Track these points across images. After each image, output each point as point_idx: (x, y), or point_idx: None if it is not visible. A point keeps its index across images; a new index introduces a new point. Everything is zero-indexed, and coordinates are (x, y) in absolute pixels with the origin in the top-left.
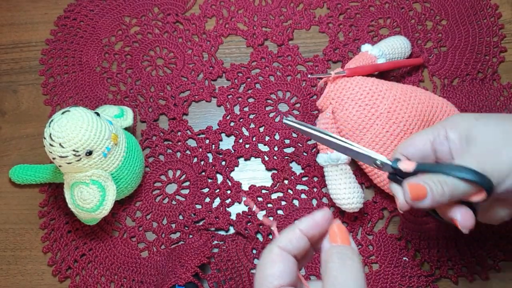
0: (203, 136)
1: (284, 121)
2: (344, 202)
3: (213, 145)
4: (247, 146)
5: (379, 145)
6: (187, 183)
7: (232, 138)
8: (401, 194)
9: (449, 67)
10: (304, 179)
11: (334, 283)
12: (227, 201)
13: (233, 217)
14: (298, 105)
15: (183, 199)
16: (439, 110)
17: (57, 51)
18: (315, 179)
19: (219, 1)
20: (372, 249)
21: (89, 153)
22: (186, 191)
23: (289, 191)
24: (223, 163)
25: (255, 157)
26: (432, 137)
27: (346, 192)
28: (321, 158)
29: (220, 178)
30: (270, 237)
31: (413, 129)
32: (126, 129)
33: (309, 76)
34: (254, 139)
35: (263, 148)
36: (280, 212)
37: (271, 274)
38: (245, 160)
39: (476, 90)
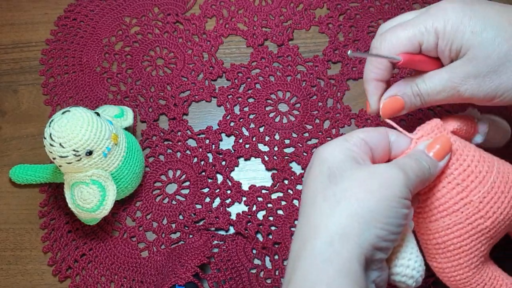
0: (203, 136)
1: (350, 53)
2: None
3: (213, 145)
4: (247, 146)
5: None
6: (187, 183)
7: (232, 138)
8: (375, 101)
9: None
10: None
11: (398, 163)
12: (227, 201)
13: (233, 217)
14: (298, 105)
15: (183, 199)
16: None
17: (57, 51)
18: None
19: (219, 1)
20: None
21: (89, 153)
22: (186, 191)
23: (289, 191)
24: (223, 163)
25: (255, 157)
26: (418, 33)
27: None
28: None
29: (220, 178)
30: (270, 237)
31: (500, 229)
32: (126, 129)
33: (349, 53)
34: (254, 139)
35: (263, 148)
36: (280, 212)
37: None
38: (245, 160)
39: None
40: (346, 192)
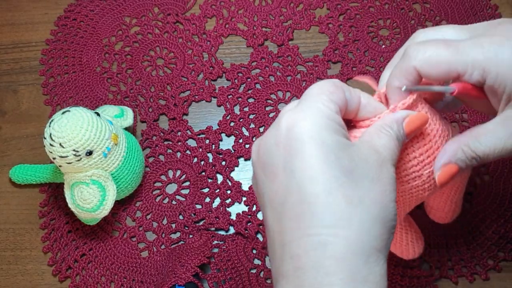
0: (203, 136)
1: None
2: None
3: (213, 145)
4: (247, 146)
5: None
6: (187, 183)
7: (232, 138)
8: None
9: None
10: None
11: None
12: (227, 201)
13: (233, 217)
14: None
15: (183, 199)
16: None
17: (57, 51)
18: None
19: (219, 1)
20: None
21: (89, 153)
22: (186, 191)
23: None
24: (223, 163)
25: None
26: (461, 63)
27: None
28: None
29: (220, 178)
30: None
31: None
32: (126, 129)
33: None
34: (254, 139)
35: None
36: None
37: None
38: (245, 160)
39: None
40: (370, 195)
